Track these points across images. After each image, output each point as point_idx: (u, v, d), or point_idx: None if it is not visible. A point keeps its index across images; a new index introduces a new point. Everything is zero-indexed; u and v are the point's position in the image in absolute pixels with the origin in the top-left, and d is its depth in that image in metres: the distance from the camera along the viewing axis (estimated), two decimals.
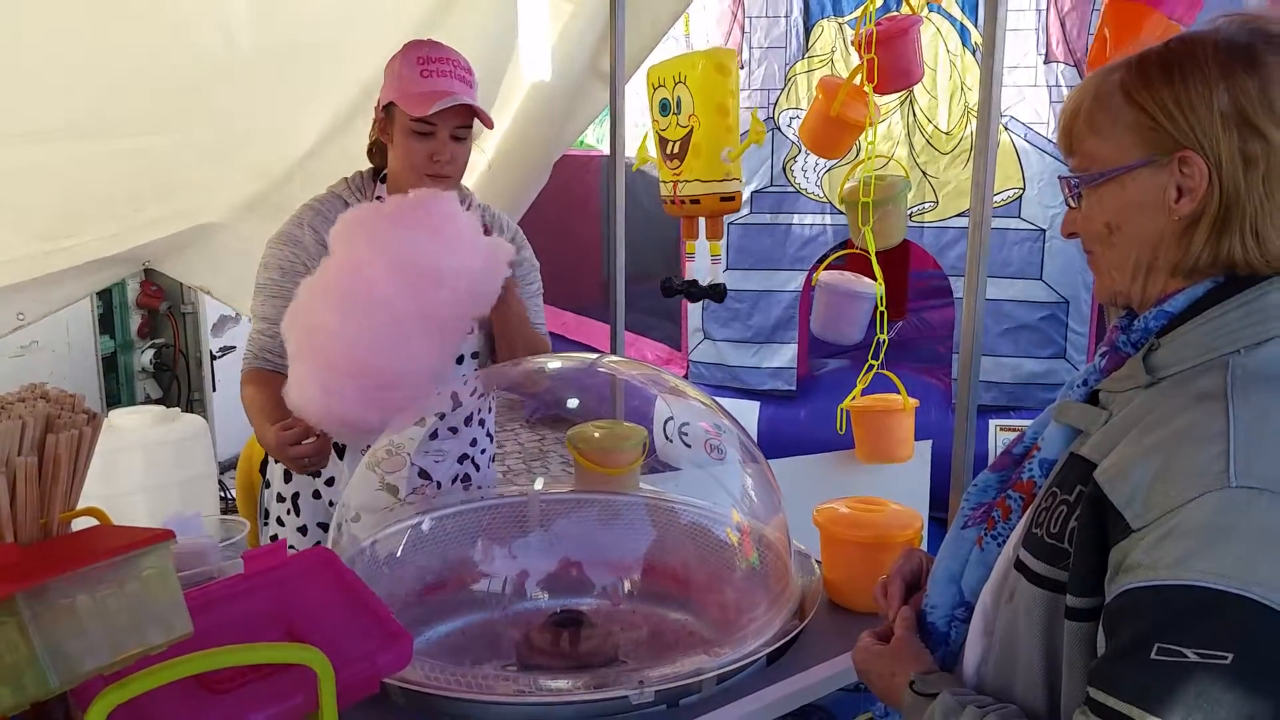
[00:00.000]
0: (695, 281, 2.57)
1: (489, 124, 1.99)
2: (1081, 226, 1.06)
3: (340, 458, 2.02)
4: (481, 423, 2.17)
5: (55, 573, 0.98)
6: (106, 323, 4.81)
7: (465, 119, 1.94)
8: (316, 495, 2.10)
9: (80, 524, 1.16)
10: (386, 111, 1.97)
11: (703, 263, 2.54)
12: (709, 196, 2.39)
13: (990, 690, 1.05)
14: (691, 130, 2.36)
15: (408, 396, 1.75)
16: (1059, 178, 1.08)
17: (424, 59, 1.93)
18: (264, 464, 2.27)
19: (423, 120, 1.90)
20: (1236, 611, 0.82)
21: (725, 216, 2.52)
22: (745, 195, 4.78)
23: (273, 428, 1.79)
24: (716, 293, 2.55)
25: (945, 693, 1.04)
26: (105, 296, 4.74)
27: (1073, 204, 1.06)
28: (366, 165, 2.11)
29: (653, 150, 2.52)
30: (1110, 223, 1.02)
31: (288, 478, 2.10)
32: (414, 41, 1.99)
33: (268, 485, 2.19)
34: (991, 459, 1.18)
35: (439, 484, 2.04)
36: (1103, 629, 0.90)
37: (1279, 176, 0.93)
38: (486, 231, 1.88)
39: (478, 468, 2.13)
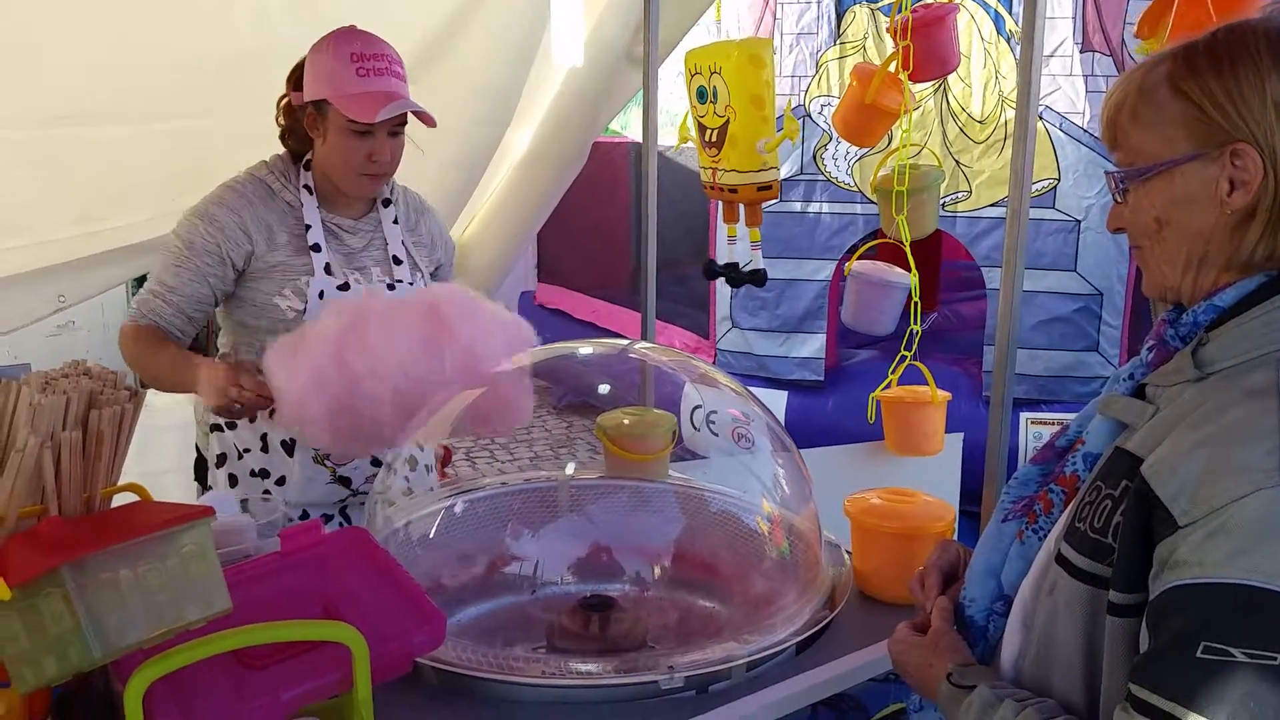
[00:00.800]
0: (737, 265, 2.57)
1: (430, 123, 1.97)
2: (1129, 222, 1.04)
3: (290, 455, 2.01)
4: None
5: (99, 546, 1.00)
6: None
7: (403, 117, 1.94)
8: (266, 494, 2.05)
9: (121, 500, 1.18)
10: (317, 108, 1.94)
11: (739, 248, 2.53)
12: (746, 186, 2.39)
13: (1028, 684, 1.04)
14: (728, 121, 2.35)
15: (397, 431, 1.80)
16: (1105, 173, 1.07)
17: (358, 55, 1.90)
18: (201, 472, 2.22)
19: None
20: None
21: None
22: None
23: (220, 365, 1.83)
24: (757, 278, 2.55)
25: (983, 686, 1.03)
26: (140, 278, 4.79)
27: (1119, 199, 1.04)
28: None
29: (693, 133, 2.52)
30: (1160, 218, 1.00)
31: (233, 483, 2.07)
32: (341, 33, 1.95)
33: (209, 489, 2.14)
34: (1022, 453, 1.17)
35: (395, 470, 2.01)
36: (1146, 626, 0.89)
37: None
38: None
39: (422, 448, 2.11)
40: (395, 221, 2.12)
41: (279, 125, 2.07)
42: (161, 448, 3.38)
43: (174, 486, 3.29)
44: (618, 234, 6.31)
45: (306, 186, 2.02)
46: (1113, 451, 1.01)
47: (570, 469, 1.59)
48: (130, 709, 1.03)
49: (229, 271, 1.97)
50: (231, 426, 2.04)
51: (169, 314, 1.96)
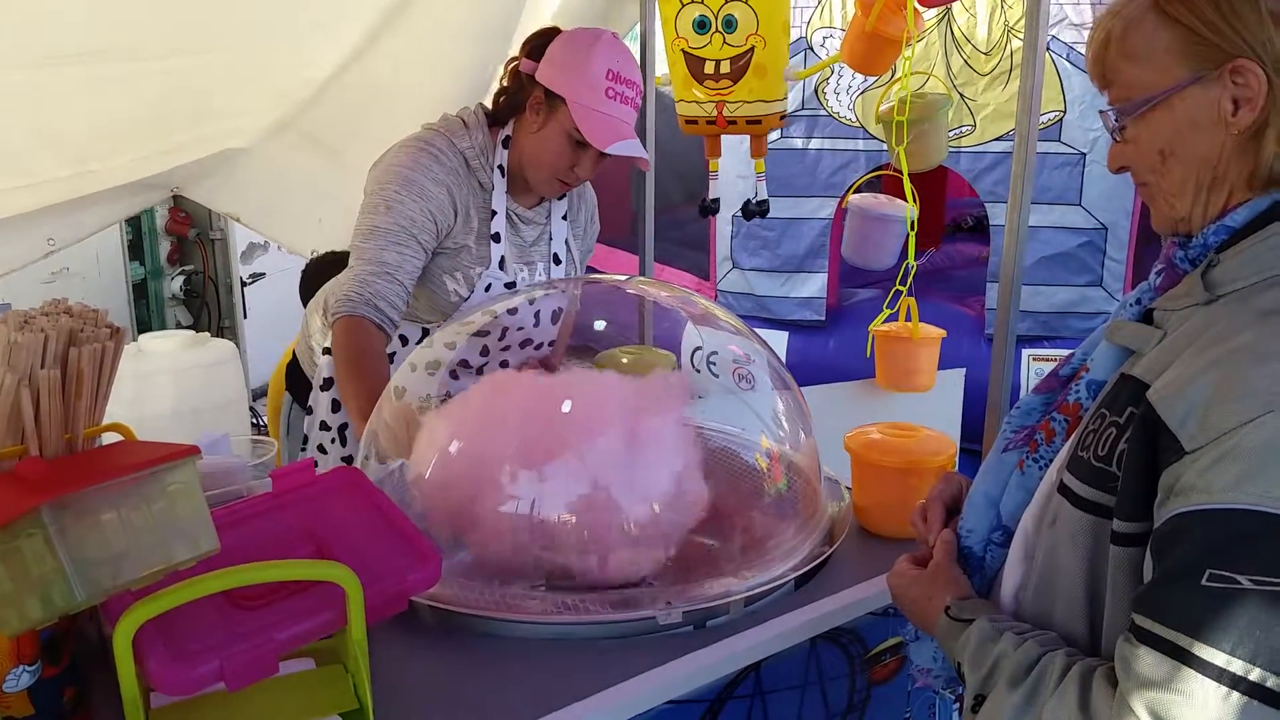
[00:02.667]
0: (748, 201, 2.55)
1: (645, 169, 1.95)
2: (1131, 158, 1.01)
3: None
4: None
5: (80, 486, 0.98)
6: (136, 249, 4.82)
7: None
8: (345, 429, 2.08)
9: (106, 441, 1.16)
10: (548, 97, 1.88)
11: (735, 188, 2.52)
12: (770, 116, 2.36)
13: (1029, 616, 1.03)
14: (752, 50, 2.30)
15: None
16: (1099, 111, 1.03)
17: (614, 75, 1.85)
18: (299, 388, 2.25)
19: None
20: None
21: (747, 142, 2.50)
22: None
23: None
24: (763, 208, 2.53)
25: (982, 618, 1.02)
26: (134, 223, 4.75)
27: (1117, 138, 1.01)
28: (391, 86, 2.04)
29: (669, 68, 2.48)
30: (1164, 149, 0.97)
31: (335, 407, 2.07)
32: (606, 40, 1.88)
33: (309, 412, 2.15)
34: (1024, 389, 1.14)
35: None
36: (1150, 555, 0.87)
37: None
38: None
39: None
40: (564, 217, 2.10)
41: (500, 84, 2.00)
42: (157, 393, 3.37)
43: (170, 432, 3.30)
44: (615, 179, 6.23)
45: (500, 167, 1.97)
46: (1118, 378, 0.98)
47: (567, 407, 1.56)
48: (120, 651, 1.02)
49: (436, 243, 1.92)
50: None
51: (394, 294, 1.86)
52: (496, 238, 1.96)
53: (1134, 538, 0.90)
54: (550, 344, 2.12)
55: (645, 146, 2.67)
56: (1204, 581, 0.80)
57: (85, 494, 0.98)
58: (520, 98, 1.93)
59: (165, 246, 4.88)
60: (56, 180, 2.53)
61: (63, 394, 1.05)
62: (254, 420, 4.15)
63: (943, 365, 2.75)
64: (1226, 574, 0.80)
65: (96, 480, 0.99)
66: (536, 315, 2.05)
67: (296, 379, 2.26)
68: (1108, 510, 0.93)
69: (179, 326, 4.85)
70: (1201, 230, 0.97)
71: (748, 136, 2.51)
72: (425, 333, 2.07)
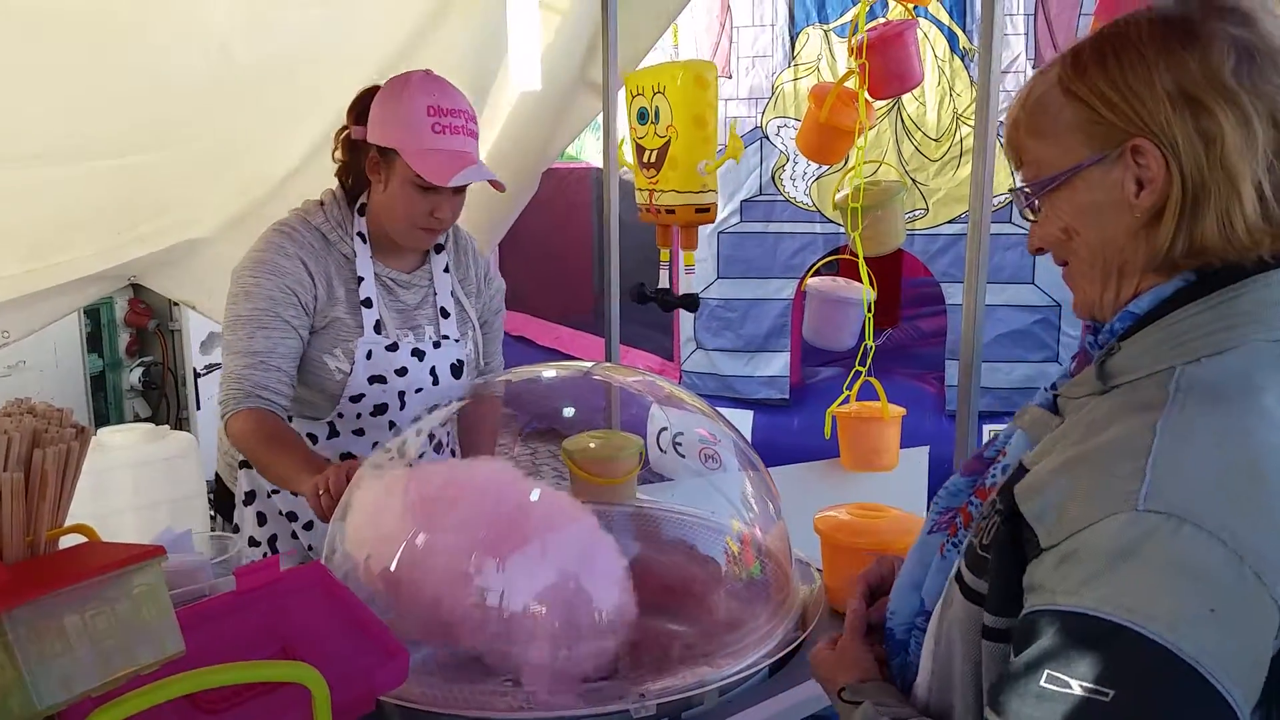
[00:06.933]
0: (668, 290, 2.58)
1: (501, 189, 1.92)
2: (1041, 238, 0.99)
3: None
4: (448, 441, 2.13)
5: (42, 591, 0.95)
6: (95, 341, 4.77)
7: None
8: (294, 537, 2.03)
9: (69, 542, 1.13)
10: (382, 154, 1.86)
11: (697, 272, 2.55)
12: (684, 208, 2.39)
13: (935, 707, 1.00)
14: (669, 141, 2.35)
15: None
16: (1010, 190, 1.02)
17: (435, 110, 1.81)
18: (225, 506, 2.17)
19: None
20: (1126, 646, 0.75)
21: (710, 226, 2.54)
22: (735, 204, 4.78)
23: (310, 482, 1.65)
24: (690, 302, 2.55)
25: (868, 703, 1.00)
26: (93, 315, 4.71)
27: (1031, 217, 0.99)
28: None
29: (630, 156, 2.52)
30: (1068, 228, 0.94)
31: (261, 520, 2.02)
32: (420, 80, 1.86)
33: (236, 530, 2.08)
34: None
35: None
36: (1013, 650, 0.84)
37: (1236, 151, 0.85)
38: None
39: None
40: (446, 270, 2.05)
41: (335, 160, 1.98)
42: (116, 487, 3.31)
43: (130, 526, 3.24)
44: (580, 260, 6.31)
45: (360, 234, 1.94)
46: (1017, 466, 0.96)
47: (535, 495, 1.55)
48: None
49: (308, 319, 1.88)
50: None
51: (274, 381, 1.83)
52: (368, 303, 1.92)
53: (1003, 633, 0.88)
54: (460, 399, 2.07)
55: (608, 230, 2.71)
56: (1042, 683, 0.78)
57: (47, 599, 0.95)
58: (360, 165, 1.91)
59: (124, 338, 4.83)
60: (12, 276, 2.52)
61: (26, 496, 1.03)
62: (212, 514, 4.06)
63: (905, 442, 2.78)
64: (1062, 677, 0.77)
65: (59, 585, 0.97)
66: (433, 371, 1.98)
67: (225, 498, 2.17)
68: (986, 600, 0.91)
69: (138, 419, 4.78)
70: (1112, 316, 0.94)
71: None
72: (331, 427, 1.99)
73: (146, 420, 4.73)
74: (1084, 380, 0.94)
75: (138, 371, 4.86)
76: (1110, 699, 0.75)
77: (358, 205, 1.96)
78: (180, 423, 4.85)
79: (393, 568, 1.49)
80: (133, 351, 4.88)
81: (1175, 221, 0.87)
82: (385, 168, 1.87)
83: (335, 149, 1.98)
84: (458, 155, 1.82)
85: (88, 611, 0.98)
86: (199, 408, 4.90)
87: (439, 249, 2.05)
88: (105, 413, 4.82)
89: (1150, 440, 0.81)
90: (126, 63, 2.06)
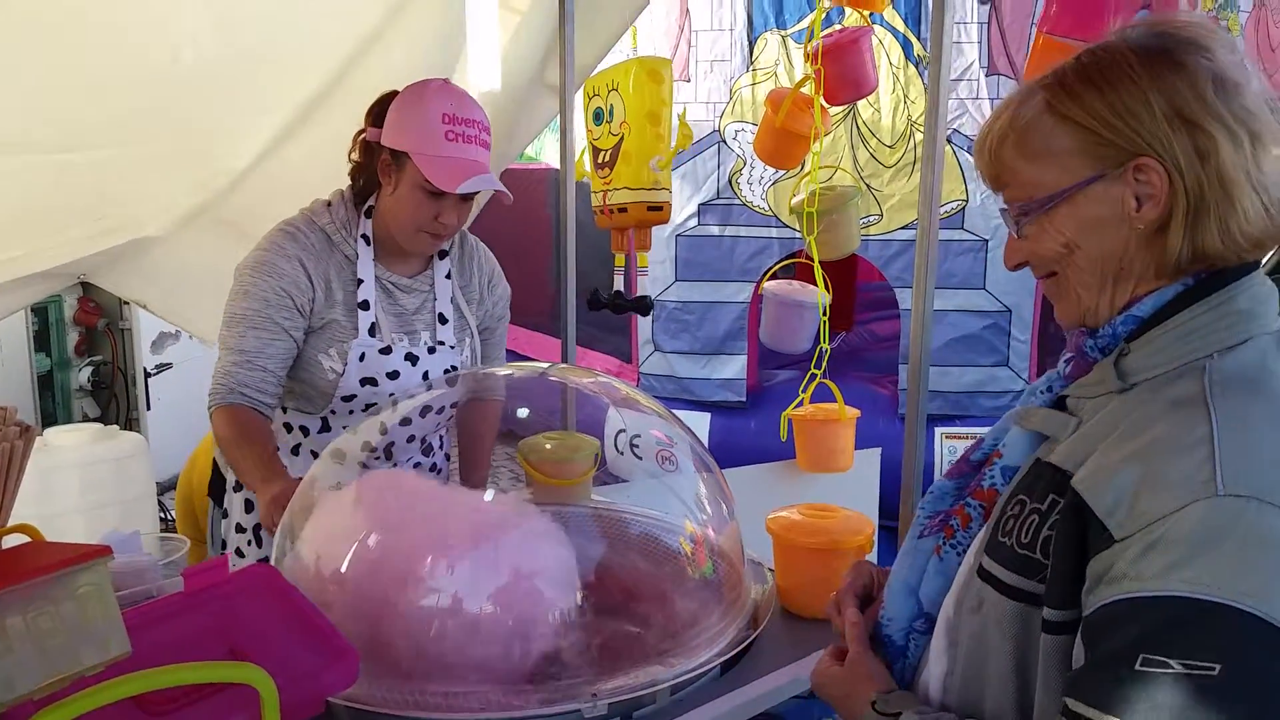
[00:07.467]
0: (620, 293, 2.57)
1: (508, 201, 1.94)
2: (1032, 254, 1.03)
3: None
4: (442, 445, 2.13)
5: None
6: (42, 340, 4.68)
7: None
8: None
9: (11, 542, 1.12)
10: (394, 157, 1.87)
11: (652, 274, 2.55)
12: (636, 205, 2.37)
13: (956, 705, 1.02)
14: (622, 138, 2.34)
15: None
16: (1001, 211, 1.06)
17: (450, 118, 1.84)
18: (217, 490, 2.21)
19: None
20: (1225, 622, 0.80)
21: (668, 229, 2.52)
22: (693, 208, 4.81)
23: (268, 492, 1.69)
24: (642, 305, 2.54)
25: (909, 712, 1.01)
26: (41, 314, 4.63)
27: (1018, 235, 1.03)
28: (307, 174, 2.04)
29: (589, 164, 2.52)
30: (1069, 242, 0.99)
31: (248, 508, 2.03)
32: (437, 87, 1.88)
33: (225, 515, 2.10)
34: (938, 467, 1.16)
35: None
36: (1081, 641, 0.88)
37: (1230, 165, 0.93)
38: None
39: None
40: (448, 276, 2.06)
41: (351, 160, 1.99)
42: (63, 488, 3.25)
43: (77, 528, 3.18)
44: (538, 260, 6.30)
45: (364, 236, 1.95)
46: (1034, 464, 1.00)
47: (489, 496, 1.55)
48: None
49: (303, 321, 1.90)
50: None
51: (258, 381, 1.85)
52: (365, 305, 1.94)
53: (1064, 625, 0.91)
54: (453, 406, 2.09)
55: (565, 232, 2.72)
56: (1138, 666, 0.81)
57: None
58: (373, 167, 1.94)
59: (73, 337, 4.75)
60: None
61: None
62: (162, 516, 4.01)
63: (859, 444, 2.81)
64: (1160, 659, 0.81)
65: (1, 584, 0.96)
66: (426, 376, 2.00)
67: (218, 483, 2.21)
68: (1035, 598, 0.94)
69: (86, 419, 4.70)
70: (1110, 320, 0.99)
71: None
72: (324, 422, 2.02)
73: (95, 420, 4.66)
74: (1098, 380, 0.99)
75: (87, 371, 4.78)
76: (1218, 673, 0.79)
77: (365, 208, 1.98)
78: (130, 423, 4.78)
79: (343, 569, 1.48)
80: (82, 351, 4.80)
81: (1182, 230, 0.94)
82: (396, 171, 1.89)
83: (351, 150, 2.00)
84: (468, 163, 1.85)
85: (30, 612, 0.97)
86: (149, 408, 4.83)
87: (443, 255, 2.07)
88: (53, 413, 4.73)
89: (1208, 430, 0.87)
90: (77, 60, 2.02)
